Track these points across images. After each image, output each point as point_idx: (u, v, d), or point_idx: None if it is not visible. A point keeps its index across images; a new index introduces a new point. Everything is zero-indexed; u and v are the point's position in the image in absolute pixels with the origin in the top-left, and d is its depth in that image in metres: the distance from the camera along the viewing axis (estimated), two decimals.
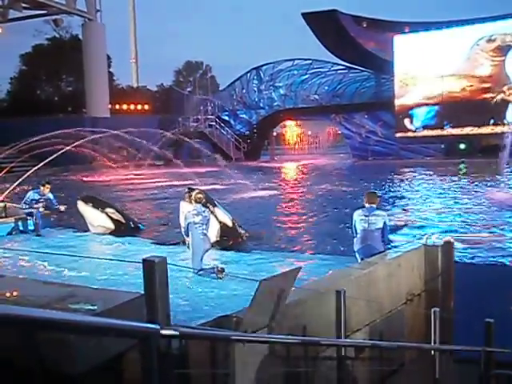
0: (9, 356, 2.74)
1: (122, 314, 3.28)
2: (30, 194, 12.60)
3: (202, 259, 8.39)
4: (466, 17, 38.31)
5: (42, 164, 13.37)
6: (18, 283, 4.86)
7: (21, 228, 12.72)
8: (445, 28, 38.41)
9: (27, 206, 12.38)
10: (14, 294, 4.09)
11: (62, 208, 12.78)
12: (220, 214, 10.98)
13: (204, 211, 8.54)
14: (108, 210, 12.54)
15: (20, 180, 13.07)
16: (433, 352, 5.21)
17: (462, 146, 37.11)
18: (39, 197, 12.54)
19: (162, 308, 2.27)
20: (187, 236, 8.49)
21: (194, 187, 11.28)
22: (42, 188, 12.65)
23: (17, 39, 47.93)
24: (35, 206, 12.35)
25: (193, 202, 8.65)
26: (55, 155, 13.24)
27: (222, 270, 8.02)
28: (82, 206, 12.59)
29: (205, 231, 8.43)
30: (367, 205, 7.61)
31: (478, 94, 37.04)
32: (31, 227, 12.59)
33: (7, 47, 50.17)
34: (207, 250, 8.57)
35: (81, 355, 2.83)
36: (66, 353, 2.78)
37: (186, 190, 10.80)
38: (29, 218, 12.61)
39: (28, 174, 12.94)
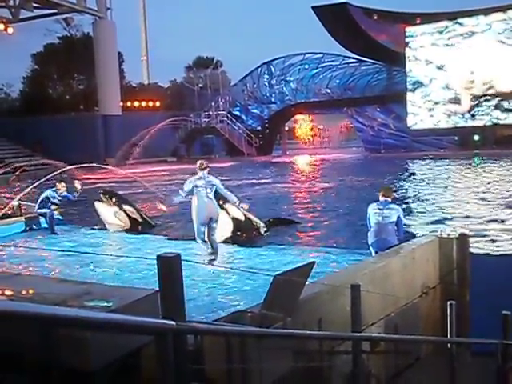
0: (25, 352, 2.76)
1: (137, 310, 3.29)
2: (48, 193, 12.62)
3: (204, 226, 8.66)
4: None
5: (61, 170, 13.85)
6: (33, 281, 4.89)
7: (34, 226, 12.81)
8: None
9: (48, 205, 12.41)
10: (30, 291, 4.11)
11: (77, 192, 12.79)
12: (232, 209, 10.97)
13: (207, 177, 8.79)
14: (125, 207, 12.58)
15: (40, 181, 13.36)
16: (449, 345, 5.18)
17: (476, 138, 36.70)
18: (55, 195, 12.57)
19: (177, 304, 2.28)
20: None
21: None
22: (57, 185, 12.66)
23: (28, 39, 48.23)
24: (51, 206, 12.43)
25: (197, 169, 8.92)
26: (68, 168, 13.70)
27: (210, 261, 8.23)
28: (97, 203, 12.66)
29: (209, 195, 8.68)
30: (382, 198, 7.60)
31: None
32: (44, 225, 12.68)
33: (19, 47, 50.46)
34: (211, 219, 8.69)
35: (96, 352, 2.84)
36: (82, 349, 2.80)
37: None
38: (41, 217, 12.69)
39: (48, 176, 13.23)
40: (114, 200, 12.65)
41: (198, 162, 9.00)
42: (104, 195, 12.79)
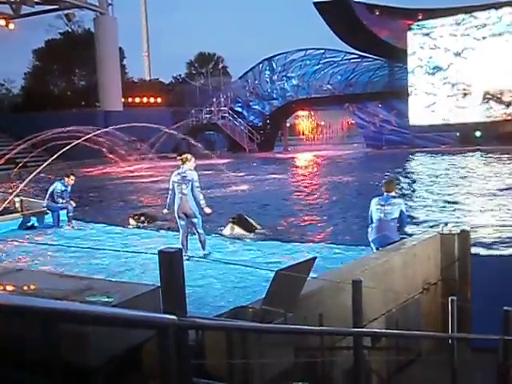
0: (26, 347, 2.76)
1: (138, 305, 3.29)
2: (58, 185, 12.50)
3: (182, 220, 8.76)
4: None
5: (54, 157, 13.40)
6: (35, 276, 4.90)
7: (35, 223, 12.65)
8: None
9: (60, 199, 12.33)
10: (31, 287, 4.11)
11: (73, 204, 12.73)
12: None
13: (185, 172, 8.80)
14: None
15: (34, 173, 13.10)
16: (450, 341, 5.18)
17: (478, 134, 36.59)
18: (65, 188, 12.50)
19: (179, 299, 2.28)
20: None
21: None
22: (66, 179, 12.60)
23: (30, 35, 48.25)
24: (59, 199, 12.34)
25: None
26: (67, 147, 13.32)
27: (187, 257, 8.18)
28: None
29: (183, 191, 8.69)
30: (385, 193, 7.57)
31: None
32: (47, 220, 12.62)
33: (21, 43, 50.51)
34: (186, 214, 8.72)
35: (97, 346, 2.84)
36: (83, 344, 2.80)
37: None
38: (48, 211, 12.61)
39: (42, 167, 12.95)
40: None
41: (180, 156, 9.05)
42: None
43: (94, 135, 16.29)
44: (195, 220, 8.79)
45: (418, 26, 38.51)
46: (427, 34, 37.81)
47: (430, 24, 37.47)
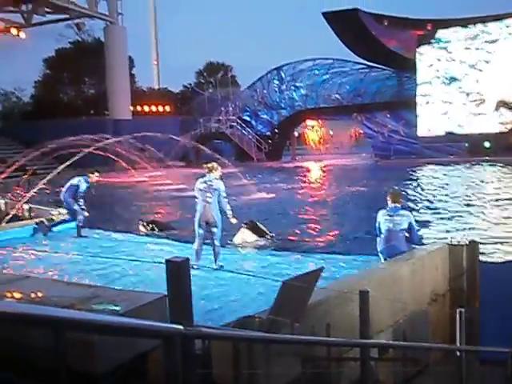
0: (33, 354, 2.76)
1: (145, 314, 3.29)
2: (83, 184, 11.63)
3: (201, 229, 8.65)
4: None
5: (66, 165, 13.34)
6: (42, 284, 4.92)
7: (44, 232, 12.08)
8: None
9: (82, 200, 11.59)
10: (39, 294, 4.13)
11: (86, 214, 11.94)
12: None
13: (211, 180, 8.72)
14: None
15: (45, 180, 13.03)
16: (458, 353, 5.14)
17: (487, 145, 36.50)
18: (88, 186, 11.73)
19: (185, 308, 2.27)
20: None
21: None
22: (91, 176, 11.83)
23: (41, 44, 48.58)
24: (78, 197, 11.58)
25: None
26: (77, 157, 13.25)
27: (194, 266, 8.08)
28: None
29: (208, 199, 8.59)
30: (391, 204, 7.53)
31: None
32: (56, 228, 12.11)
33: (31, 52, 50.88)
34: (208, 223, 8.62)
35: (103, 355, 2.84)
36: (89, 352, 2.80)
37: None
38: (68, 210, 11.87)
39: (52, 174, 12.86)
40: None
41: (208, 164, 8.98)
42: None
43: (105, 144, 16.24)
44: (215, 230, 8.67)
45: (435, 39, 39.07)
46: (444, 48, 38.56)
47: (446, 38, 38.26)
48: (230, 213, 8.82)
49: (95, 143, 15.01)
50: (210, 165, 8.91)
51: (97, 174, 11.96)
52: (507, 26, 36.26)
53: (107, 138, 17.99)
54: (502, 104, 35.89)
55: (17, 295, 4.07)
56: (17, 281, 4.79)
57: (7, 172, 18.23)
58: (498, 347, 4.92)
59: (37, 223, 12.30)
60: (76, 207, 11.65)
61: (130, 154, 27.27)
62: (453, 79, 38.30)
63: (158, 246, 10.84)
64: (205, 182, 8.72)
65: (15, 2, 38.99)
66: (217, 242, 8.74)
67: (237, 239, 11.01)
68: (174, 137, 26.53)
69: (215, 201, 8.63)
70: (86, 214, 11.80)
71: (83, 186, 11.63)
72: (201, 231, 8.68)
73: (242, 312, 4.96)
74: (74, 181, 11.73)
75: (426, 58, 39.10)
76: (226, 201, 8.75)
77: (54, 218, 12.51)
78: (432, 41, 38.92)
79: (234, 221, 9.00)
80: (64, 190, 11.80)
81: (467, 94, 37.52)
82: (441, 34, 38.68)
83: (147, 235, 12.28)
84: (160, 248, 10.62)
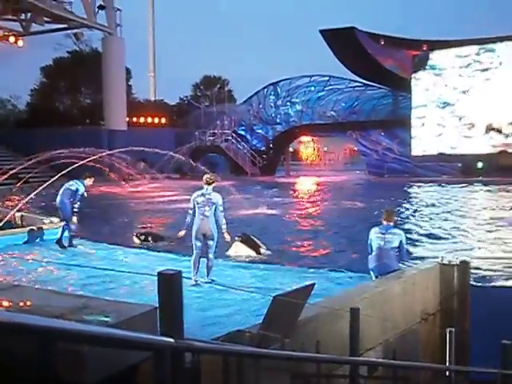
0: (21, 364, 2.74)
1: (135, 326, 3.27)
2: (81, 187, 11.26)
3: (198, 241, 8.53)
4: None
5: (59, 175, 13.27)
6: (32, 293, 4.88)
7: (37, 240, 12.05)
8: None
9: (78, 203, 11.20)
10: (28, 303, 4.10)
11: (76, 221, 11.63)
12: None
13: (210, 193, 8.61)
14: None
15: (38, 190, 12.91)
16: (448, 373, 5.13)
17: (480, 165, 36.81)
18: (83, 189, 11.29)
19: (176, 321, 2.27)
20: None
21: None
22: (87, 179, 11.46)
23: (38, 52, 48.68)
24: (74, 202, 11.16)
25: (203, 184, 8.74)
26: (72, 167, 13.19)
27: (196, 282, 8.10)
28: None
29: (206, 213, 8.49)
30: (384, 222, 7.56)
31: None
32: (52, 236, 11.78)
33: (29, 60, 51.05)
34: (205, 235, 8.53)
35: (93, 365, 2.82)
36: (79, 363, 2.78)
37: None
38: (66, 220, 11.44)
39: (46, 184, 12.75)
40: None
41: (205, 176, 8.83)
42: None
43: (100, 157, 16.15)
44: (211, 242, 8.60)
45: (430, 66, 40.51)
46: (439, 75, 40.14)
47: (442, 66, 39.96)
48: (224, 227, 8.74)
49: (91, 156, 14.94)
50: (208, 177, 8.78)
51: (93, 178, 11.72)
52: (498, 56, 37.90)
53: (101, 151, 17.94)
54: (492, 128, 37.62)
55: (5, 304, 4.04)
56: (6, 289, 4.75)
57: (1, 179, 18.14)
58: (487, 368, 4.91)
59: (28, 231, 12.16)
60: (75, 209, 11.29)
61: (123, 167, 27.30)
62: (446, 104, 39.77)
63: (151, 257, 10.80)
64: (203, 195, 8.61)
65: (14, 10, 39.10)
66: (211, 256, 8.67)
67: (231, 252, 11.02)
68: (171, 153, 26.52)
69: (212, 214, 8.57)
70: (75, 219, 11.45)
71: (82, 189, 11.32)
72: (198, 243, 8.61)
73: (228, 326, 4.95)
74: (71, 185, 11.39)
75: (422, 83, 40.53)
76: (222, 215, 8.67)
77: (44, 226, 12.42)
78: (427, 67, 40.41)
79: (227, 236, 8.87)
80: (60, 194, 11.42)
81: (459, 118, 39.03)
82: (436, 61, 40.23)
83: (140, 247, 12.22)
84: (153, 259, 10.58)
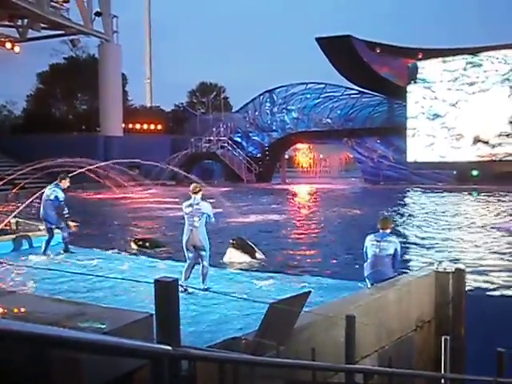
0: (16, 372, 2.74)
1: (130, 333, 3.27)
2: (59, 192, 10.99)
3: (189, 252, 8.45)
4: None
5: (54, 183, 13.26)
6: (26, 300, 4.88)
7: (24, 246, 11.71)
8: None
9: (66, 208, 11.01)
10: (24, 310, 4.09)
11: (71, 228, 11.64)
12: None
13: (198, 203, 8.45)
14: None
15: (34, 197, 12.82)
16: (443, 381, 5.14)
17: (475, 173, 36.98)
18: (62, 194, 11.05)
19: (173, 329, 2.27)
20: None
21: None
22: (63, 182, 11.20)
23: (35, 58, 48.77)
24: (58, 208, 10.95)
25: (190, 193, 8.60)
26: (70, 175, 13.22)
27: (185, 289, 7.96)
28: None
29: (195, 223, 8.35)
30: (380, 230, 7.58)
31: None
32: (36, 244, 11.58)
33: (25, 66, 51.08)
34: (195, 246, 8.42)
35: (89, 373, 2.82)
36: (75, 370, 2.78)
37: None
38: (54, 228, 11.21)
39: (41, 192, 12.67)
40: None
41: (191, 186, 8.68)
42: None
43: (96, 167, 16.12)
44: (203, 253, 8.48)
45: (421, 80, 41.30)
46: (429, 88, 41.08)
47: (432, 79, 40.93)
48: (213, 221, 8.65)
49: (87, 165, 14.92)
50: (194, 186, 8.63)
51: (67, 179, 11.34)
52: (484, 71, 38.90)
53: (96, 162, 17.98)
54: (479, 139, 38.77)
55: (0, 310, 4.03)
56: (0, 296, 4.75)
57: None
58: (482, 375, 4.92)
59: (14, 239, 11.81)
60: (61, 223, 11.19)
61: (116, 177, 27.31)
62: (436, 115, 40.80)
63: (148, 264, 10.78)
64: (191, 206, 8.47)
65: (11, 16, 39.15)
66: (205, 263, 8.60)
67: (225, 259, 10.98)
68: (161, 164, 26.58)
69: (202, 224, 8.43)
70: (72, 224, 11.42)
71: (61, 194, 11.06)
72: (190, 254, 8.51)
73: (221, 333, 4.95)
74: (49, 195, 11.11)
75: (413, 96, 41.47)
76: (213, 222, 8.61)
77: (31, 234, 12.11)
78: (418, 81, 41.39)
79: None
80: (42, 206, 11.18)
81: (448, 129, 40.10)
82: (426, 75, 41.22)
83: (137, 253, 12.18)
84: (150, 266, 10.56)
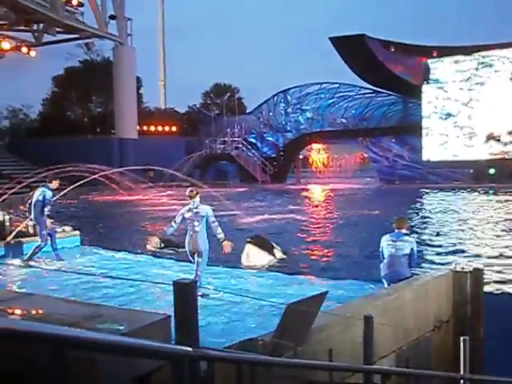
0: (35, 373, 2.75)
1: (148, 335, 3.28)
2: (47, 192, 11.07)
3: (191, 256, 8.36)
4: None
5: (71, 188, 13.48)
6: (45, 302, 4.91)
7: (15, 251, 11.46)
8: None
9: (48, 206, 11.01)
10: (42, 312, 4.12)
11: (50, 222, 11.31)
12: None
13: (197, 207, 8.31)
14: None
15: (53, 199, 12.90)
16: (462, 382, 5.09)
17: (492, 171, 36.63)
18: (53, 194, 11.22)
19: (192, 330, 2.28)
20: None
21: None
22: (53, 182, 11.32)
23: (50, 62, 49.20)
24: (45, 208, 10.94)
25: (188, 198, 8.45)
26: (85, 180, 13.42)
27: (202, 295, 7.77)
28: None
29: (195, 228, 8.22)
30: (396, 230, 7.55)
31: None
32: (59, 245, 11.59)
33: (41, 70, 51.56)
34: (195, 253, 8.27)
35: (107, 374, 2.83)
36: (92, 371, 2.79)
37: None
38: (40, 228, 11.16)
39: (59, 195, 12.77)
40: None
41: (188, 190, 8.50)
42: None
43: (111, 173, 16.32)
44: (199, 259, 8.28)
45: (433, 80, 41.36)
46: (441, 88, 41.22)
47: (444, 80, 41.06)
48: (221, 236, 8.38)
49: (102, 171, 15.16)
50: (190, 190, 8.47)
51: (56, 180, 11.49)
52: (495, 71, 38.96)
53: (111, 168, 18.30)
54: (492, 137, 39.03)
55: (19, 312, 4.06)
56: (20, 298, 4.79)
57: (16, 188, 18.28)
58: (502, 377, 4.87)
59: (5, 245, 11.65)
60: (46, 213, 11.09)
61: (130, 183, 27.50)
62: (449, 115, 40.84)
63: (165, 266, 10.82)
64: (190, 210, 8.31)
65: (27, 21, 39.52)
66: (198, 273, 8.31)
67: (243, 260, 10.83)
68: (172, 171, 26.76)
69: (203, 228, 8.27)
70: (50, 221, 11.27)
71: (49, 194, 11.14)
72: (193, 260, 8.39)
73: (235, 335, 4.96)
74: (38, 196, 11.18)
75: (426, 96, 41.50)
76: (215, 224, 8.35)
77: (23, 239, 11.99)
78: (431, 81, 41.45)
79: (227, 246, 8.43)
80: (33, 208, 11.26)
81: (461, 128, 40.19)
82: (439, 75, 41.30)
83: (155, 254, 12.15)
84: (168, 267, 10.60)
